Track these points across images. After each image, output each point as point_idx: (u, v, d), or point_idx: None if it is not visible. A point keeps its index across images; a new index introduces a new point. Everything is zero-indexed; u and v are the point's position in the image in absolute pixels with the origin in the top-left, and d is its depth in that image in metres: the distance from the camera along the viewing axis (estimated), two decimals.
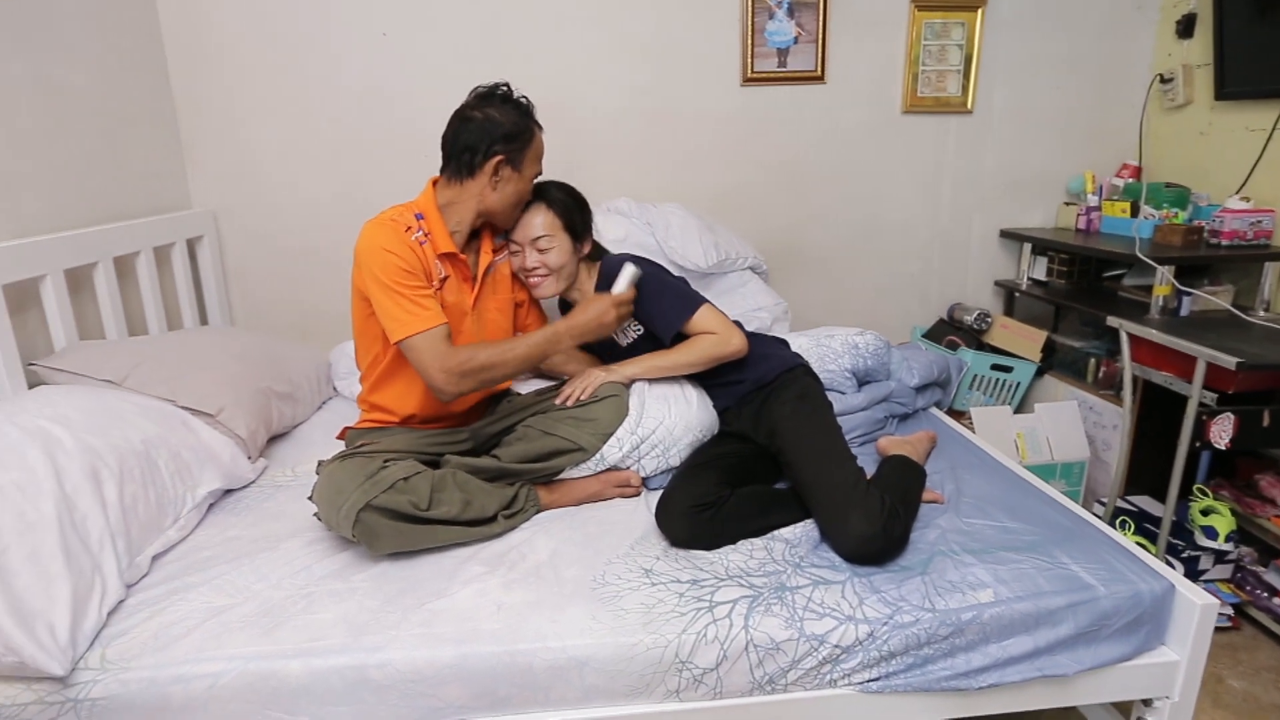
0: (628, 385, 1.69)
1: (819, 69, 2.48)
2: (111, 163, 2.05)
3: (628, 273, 1.64)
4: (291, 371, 2.07)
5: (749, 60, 2.45)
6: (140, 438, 1.49)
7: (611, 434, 1.62)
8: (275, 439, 1.98)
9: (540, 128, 1.63)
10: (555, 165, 2.56)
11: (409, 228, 1.53)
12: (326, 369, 2.27)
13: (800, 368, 1.77)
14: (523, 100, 1.60)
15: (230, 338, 2.11)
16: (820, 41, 2.45)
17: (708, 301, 1.70)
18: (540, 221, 1.67)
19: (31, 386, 1.63)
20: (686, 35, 2.44)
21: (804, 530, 1.48)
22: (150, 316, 2.09)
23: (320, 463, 1.53)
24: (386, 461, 1.47)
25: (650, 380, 1.71)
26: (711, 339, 1.67)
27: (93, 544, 1.27)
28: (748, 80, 2.48)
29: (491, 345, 1.55)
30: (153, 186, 2.23)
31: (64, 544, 1.21)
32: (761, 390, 1.70)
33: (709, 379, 1.74)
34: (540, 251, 1.67)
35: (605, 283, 1.72)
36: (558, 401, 1.67)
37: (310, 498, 1.47)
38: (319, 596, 1.30)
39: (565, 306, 1.90)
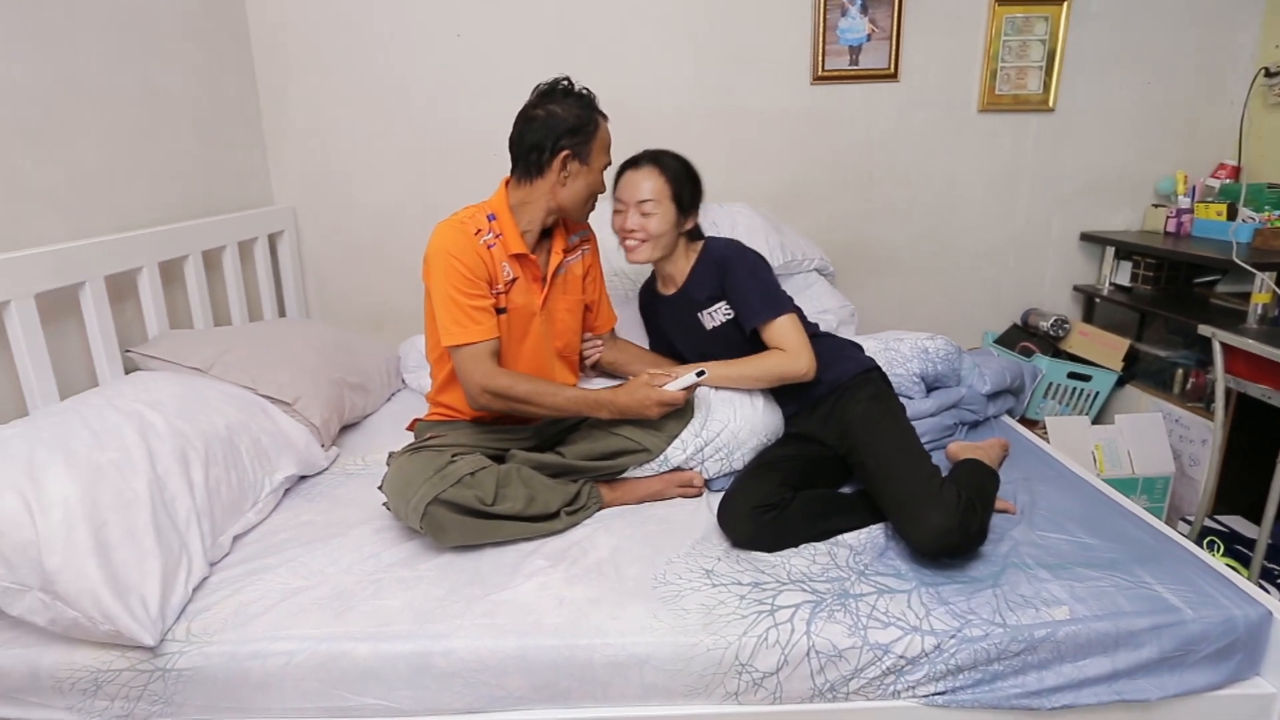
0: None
1: (892, 66, 2.43)
2: (202, 161, 2.15)
3: (688, 379, 1.56)
4: (363, 363, 2.14)
5: (820, 58, 2.41)
6: (224, 423, 1.56)
7: (676, 435, 1.62)
8: (346, 428, 2.04)
9: (605, 117, 1.61)
10: (621, 163, 2.57)
11: (479, 230, 1.55)
12: (396, 362, 2.34)
13: (875, 370, 1.73)
14: (584, 92, 1.58)
15: (306, 329, 2.19)
16: (894, 38, 2.40)
17: (795, 312, 1.67)
18: (649, 185, 1.63)
19: (128, 372, 1.72)
20: (756, 34, 2.42)
21: (868, 536, 1.45)
22: (234, 307, 2.19)
23: (391, 454, 1.58)
24: (454, 456, 1.50)
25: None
26: (780, 357, 1.63)
27: (180, 523, 1.34)
28: (818, 78, 2.44)
29: (535, 382, 1.54)
30: (238, 184, 2.33)
31: (155, 522, 1.28)
32: (835, 392, 1.67)
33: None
34: (643, 215, 1.64)
35: (706, 267, 1.71)
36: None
37: (380, 487, 1.51)
38: (387, 583, 1.34)
39: (649, 284, 1.88)
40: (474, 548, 1.44)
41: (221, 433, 1.54)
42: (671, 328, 1.84)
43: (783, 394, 1.73)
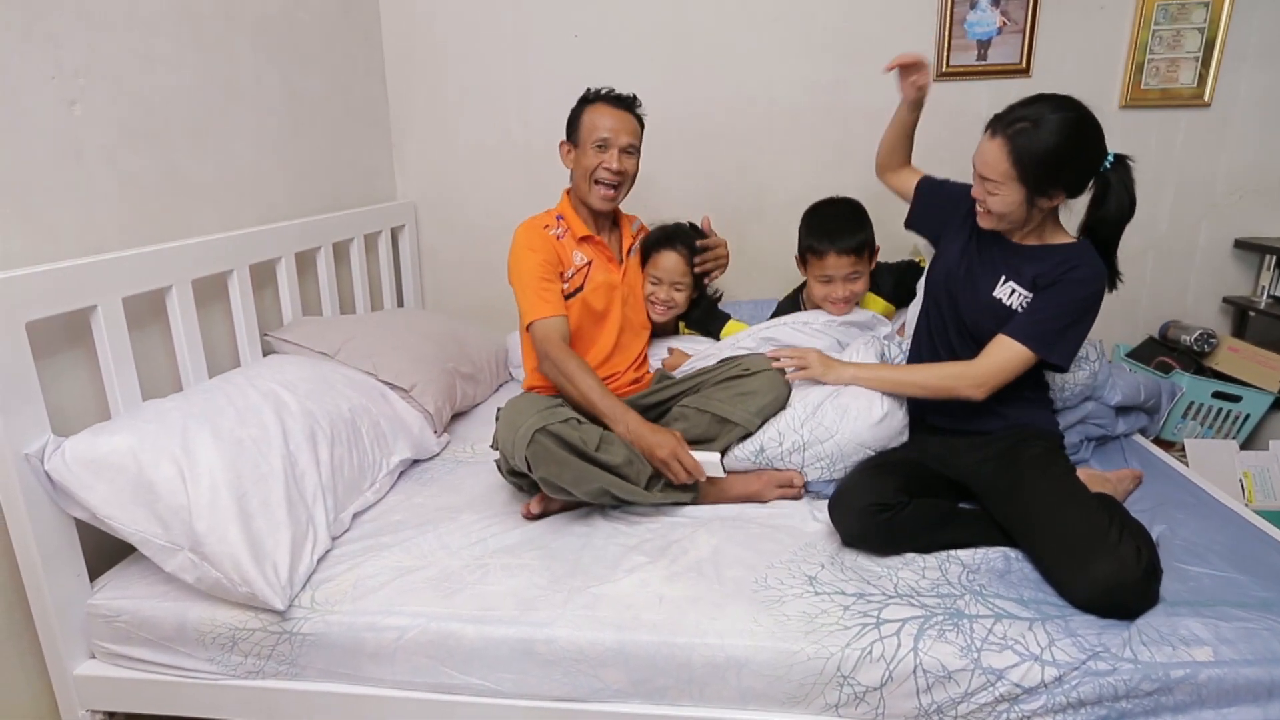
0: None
1: (1024, 61, 2.29)
2: (335, 158, 2.29)
3: (712, 461, 1.51)
4: (474, 353, 2.22)
5: (944, 54, 2.31)
6: (348, 406, 1.66)
7: (770, 413, 1.61)
8: (457, 416, 2.13)
9: (595, 103, 1.77)
10: (732, 162, 2.56)
11: (547, 225, 1.80)
12: (504, 354, 2.41)
13: (1060, 437, 1.62)
14: (586, 91, 1.82)
15: (423, 319, 2.29)
16: (1028, 31, 2.26)
17: (1040, 354, 1.46)
18: (992, 160, 1.40)
19: (265, 354, 1.86)
20: (877, 29, 2.34)
21: (984, 556, 1.38)
22: (358, 297, 2.32)
23: (499, 410, 1.61)
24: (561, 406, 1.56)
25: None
26: (962, 369, 1.51)
27: (308, 497, 1.44)
28: (941, 75, 2.34)
29: (580, 371, 1.61)
30: (366, 180, 2.47)
31: (287, 495, 1.37)
32: (1011, 435, 1.55)
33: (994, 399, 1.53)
34: (987, 193, 1.42)
35: (1054, 259, 1.46)
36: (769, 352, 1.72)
37: (493, 446, 1.58)
38: (493, 569, 1.38)
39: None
40: (575, 540, 1.47)
41: (345, 415, 1.64)
42: (962, 253, 1.59)
43: (951, 418, 1.61)
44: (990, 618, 1.21)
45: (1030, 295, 1.49)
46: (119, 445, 1.27)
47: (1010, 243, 1.54)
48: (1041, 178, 1.38)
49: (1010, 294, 1.51)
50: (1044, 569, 1.32)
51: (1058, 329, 1.45)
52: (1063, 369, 1.51)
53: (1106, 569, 1.22)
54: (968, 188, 1.58)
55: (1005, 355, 1.47)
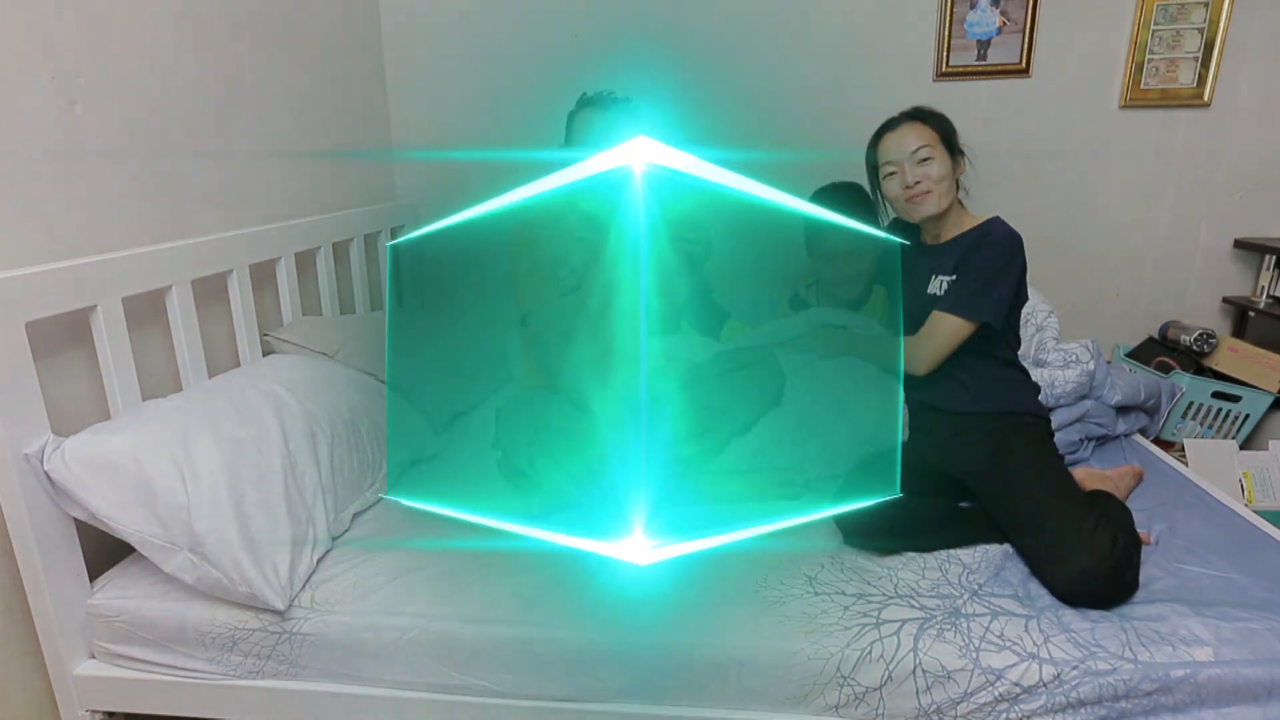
0: None
1: (1023, 61, 2.30)
2: (335, 158, 2.29)
3: None
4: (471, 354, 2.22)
5: (944, 54, 2.31)
6: (348, 406, 1.66)
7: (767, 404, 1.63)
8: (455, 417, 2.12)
9: (588, 107, 1.77)
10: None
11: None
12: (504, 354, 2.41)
13: (1046, 420, 1.64)
14: (582, 95, 1.81)
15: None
16: (1028, 31, 2.26)
17: (980, 324, 1.56)
18: (915, 136, 1.60)
19: (265, 354, 1.85)
20: (877, 29, 2.34)
21: (983, 554, 1.39)
22: (357, 296, 2.32)
23: (499, 409, 1.62)
24: None
25: None
26: (911, 354, 1.61)
27: (308, 497, 1.43)
28: (941, 75, 2.34)
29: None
30: (366, 180, 2.47)
31: (287, 495, 1.37)
32: (999, 420, 1.57)
33: (966, 370, 1.62)
34: (920, 164, 1.59)
35: (975, 238, 1.61)
36: None
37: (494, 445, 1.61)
38: (493, 569, 1.38)
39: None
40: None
41: (345, 415, 1.63)
42: (910, 275, 1.73)
43: (938, 410, 1.64)
44: (988, 615, 1.22)
45: (955, 277, 1.61)
46: (119, 445, 1.27)
47: (930, 249, 1.69)
48: (951, 142, 1.61)
49: (940, 286, 1.64)
50: (1028, 561, 1.35)
51: (979, 290, 1.55)
52: (995, 327, 1.56)
53: (1080, 560, 1.24)
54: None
55: (938, 329, 1.58)
